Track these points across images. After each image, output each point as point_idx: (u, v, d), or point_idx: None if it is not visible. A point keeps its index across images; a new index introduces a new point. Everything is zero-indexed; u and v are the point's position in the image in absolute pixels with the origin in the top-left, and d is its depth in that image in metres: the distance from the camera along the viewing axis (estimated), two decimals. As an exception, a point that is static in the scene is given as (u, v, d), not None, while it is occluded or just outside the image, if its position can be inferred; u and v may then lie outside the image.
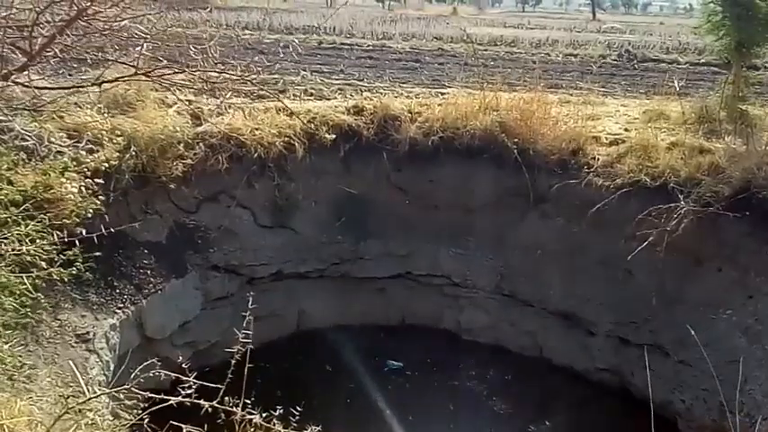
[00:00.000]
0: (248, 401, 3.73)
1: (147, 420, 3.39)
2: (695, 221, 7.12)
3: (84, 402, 3.47)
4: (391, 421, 7.10)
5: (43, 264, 4.82)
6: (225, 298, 7.71)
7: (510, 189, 8.49)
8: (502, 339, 8.65)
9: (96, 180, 6.12)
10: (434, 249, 8.66)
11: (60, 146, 6.14)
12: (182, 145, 7.43)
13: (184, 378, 3.24)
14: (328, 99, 9.72)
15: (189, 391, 3.20)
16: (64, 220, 5.53)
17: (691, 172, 7.56)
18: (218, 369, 7.78)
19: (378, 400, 7.38)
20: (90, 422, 3.55)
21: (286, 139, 8.11)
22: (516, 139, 8.41)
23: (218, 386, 3.34)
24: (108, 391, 3.64)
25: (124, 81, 4.94)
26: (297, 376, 7.69)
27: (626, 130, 8.95)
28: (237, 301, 7.91)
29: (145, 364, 3.81)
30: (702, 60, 16.46)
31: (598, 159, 8.15)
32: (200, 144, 7.64)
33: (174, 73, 4.26)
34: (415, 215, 8.72)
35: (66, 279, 4.92)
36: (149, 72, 3.98)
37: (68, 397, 3.61)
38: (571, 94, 10.89)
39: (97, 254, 6.23)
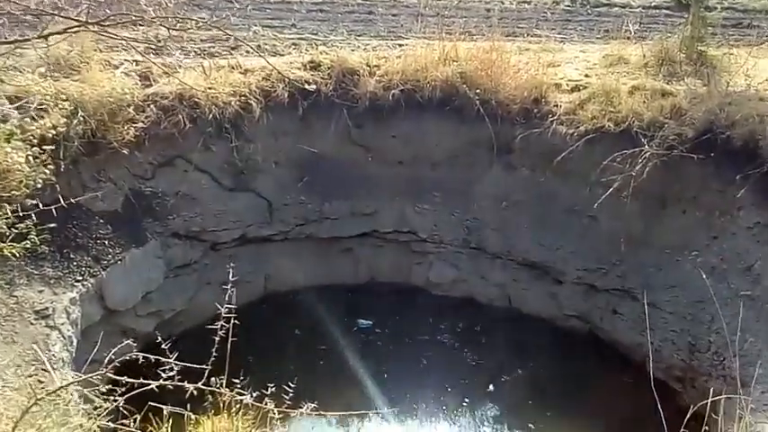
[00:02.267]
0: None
1: (121, 403, 3.18)
2: (659, 165, 7.15)
3: (55, 392, 3.23)
4: (365, 379, 7.07)
5: (-6, 239, 4.55)
6: (188, 265, 7.48)
7: (473, 141, 8.37)
8: (471, 292, 8.64)
9: (45, 147, 5.78)
10: (400, 206, 8.52)
11: (1, 112, 5.73)
12: (132, 108, 7.07)
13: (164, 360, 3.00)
14: (282, 55, 9.35)
15: (171, 374, 2.98)
16: (13, 192, 5.22)
17: (653, 116, 7.53)
18: (184, 338, 7.63)
19: (350, 360, 7.34)
20: (61, 411, 3.35)
21: (242, 98, 7.78)
22: (478, 90, 8.24)
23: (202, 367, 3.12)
24: (81, 377, 3.40)
25: (73, 33, 4.56)
26: (267, 341, 7.53)
27: (586, 75, 8.84)
28: (201, 269, 7.72)
29: (121, 346, 3.54)
30: (654, 3, 16.40)
31: (560, 107, 8.06)
32: (152, 106, 7.28)
33: (128, 23, 3.92)
34: (379, 172, 8.54)
35: (18, 254, 4.63)
36: (101, 22, 3.62)
37: (36, 387, 3.38)
38: (530, 42, 10.71)
39: (51, 225, 5.98)
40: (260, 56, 7.74)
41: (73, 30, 3.48)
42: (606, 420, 6.78)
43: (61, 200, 4.87)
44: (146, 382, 3.04)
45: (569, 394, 7.13)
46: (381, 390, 6.94)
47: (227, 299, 3.31)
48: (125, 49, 8.50)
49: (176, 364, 3.03)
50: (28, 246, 4.75)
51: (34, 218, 4.83)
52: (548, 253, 8.07)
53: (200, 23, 4.41)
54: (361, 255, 8.81)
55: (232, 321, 3.71)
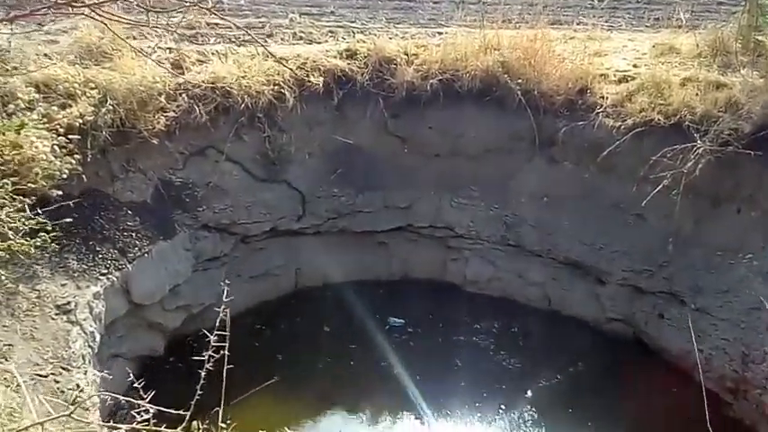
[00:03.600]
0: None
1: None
2: (713, 161, 6.77)
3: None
4: (396, 382, 6.83)
5: (10, 233, 4.42)
6: (217, 258, 7.31)
7: (514, 133, 8.06)
8: (509, 291, 8.32)
9: (71, 137, 5.65)
10: (436, 200, 8.26)
11: (28, 101, 5.61)
12: (163, 96, 6.90)
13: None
14: (318, 43, 9.11)
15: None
16: (33, 184, 5.09)
17: (707, 109, 7.13)
18: (213, 333, 7.49)
19: (381, 361, 7.10)
20: None
21: (275, 87, 7.56)
22: (520, 80, 7.93)
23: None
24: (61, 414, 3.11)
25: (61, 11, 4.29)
26: (296, 338, 7.37)
27: (635, 66, 8.45)
28: (231, 261, 7.56)
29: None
30: (707, -9, 15.69)
31: (607, 98, 7.71)
32: (183, 95, 7.12)
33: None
34: (415, 164, 8.28)
35: (28, 251, 4.49)
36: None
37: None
38: (575, 30, 10.27)
39: (75, 216, 5.87)
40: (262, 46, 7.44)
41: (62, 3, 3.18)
42: (650, 432, 6.42)
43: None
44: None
45: (611, 403, 6.77)
46: (413, 393, 6.69)
47: (219, 318, 3.00)
48: (159, 37, 8.40)
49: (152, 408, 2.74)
50: (38, 244, 4.60)
51: (57, 207, 4.69)
52: (590, 252, 7.71)
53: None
54: (395, 250, 8.57)
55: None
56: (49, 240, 4.70)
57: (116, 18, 3.96)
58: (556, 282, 8.06)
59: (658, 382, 6.94)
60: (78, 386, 4.44)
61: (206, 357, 3.11)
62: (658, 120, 7.20)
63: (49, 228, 4.60)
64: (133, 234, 6.27)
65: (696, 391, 6.76)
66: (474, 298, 8.33)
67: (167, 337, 6.90)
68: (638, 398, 6.82)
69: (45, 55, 6.47)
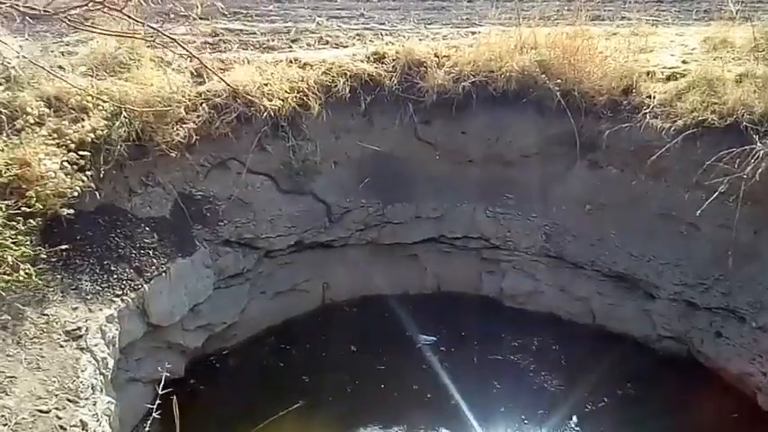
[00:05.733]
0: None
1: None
2: (774, 166, 6.14)
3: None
4: (428, 406, 6.41)
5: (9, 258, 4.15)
6: (240, 275, 7.00)
7: (554, 137, 7.57)
8: (550, 306, 7.85)
9: (82, 153, 5.40)
10: (470, 209, 7.85)
11: (38, 116, 5.38)
12: (182, 107, 6.61)
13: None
14: (345, 47, 8.76)
15: None
16: (42, 203, 4.86)
17: (767, 107, 6.51)
18: (237, 351, 7.21)
19: (413, 383, 6.71)
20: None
21: (300, 94, 7.22)
22: (559, 80, 7.46)
23: None
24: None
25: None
26: (323, 358, 7.01)
27: (684, 62, 7.88)
28: (255, 277, 7.26)
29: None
30: (758, -19, 14.88)
31: (654, 98, 7.16)
32: (204, 105, 6.81)
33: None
34: (448, 172, 7.89)
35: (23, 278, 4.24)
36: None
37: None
38: (618, 26, 9.72)
39: (89, 233, 5.63)
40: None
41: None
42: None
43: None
44: None
45: (665, 430, 6.21)
46: (446, 419, 6.28)
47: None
48: (180, 45, 8.16)
49: None
50: (20, 279, 4.35)
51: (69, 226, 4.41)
52: (638, 264, 7.18)
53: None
54: (427, 262, 8.21)
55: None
56: (33, 275, 4.41)
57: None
58: (601, 296, 7.54)
59: (717, 407, 6.36)
60: (83, 422, 4.14)
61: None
62: (712, 120, 6.63)
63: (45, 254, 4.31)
64: (150, 252, 5.99)
65: (760, 416, 6.31)
66: (512, 313, 7.88)
67: (188, 358, 6.61)
68: (695, 424, 6.26)
69: (60, 67, 6.24)
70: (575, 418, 6.41)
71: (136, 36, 4.60)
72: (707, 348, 6.80)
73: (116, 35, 4.59)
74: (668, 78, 7.48)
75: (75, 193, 5.26)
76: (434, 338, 7.37)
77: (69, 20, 4.38)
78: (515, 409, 6.49)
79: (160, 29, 4.18)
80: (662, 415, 6.34)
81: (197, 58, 5.73)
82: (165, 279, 5.98)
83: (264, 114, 6.99)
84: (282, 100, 7.10)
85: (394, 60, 7.82)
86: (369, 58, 7.93)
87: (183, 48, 5.06)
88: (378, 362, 6.95)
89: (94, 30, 3.56)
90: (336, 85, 7.45)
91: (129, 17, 3.73)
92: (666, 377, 6.83)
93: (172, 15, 7.57)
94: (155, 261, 6.00)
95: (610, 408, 6.50)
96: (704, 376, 6.76)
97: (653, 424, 6.25)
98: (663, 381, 6.78)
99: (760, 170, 6.09)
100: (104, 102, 5.78)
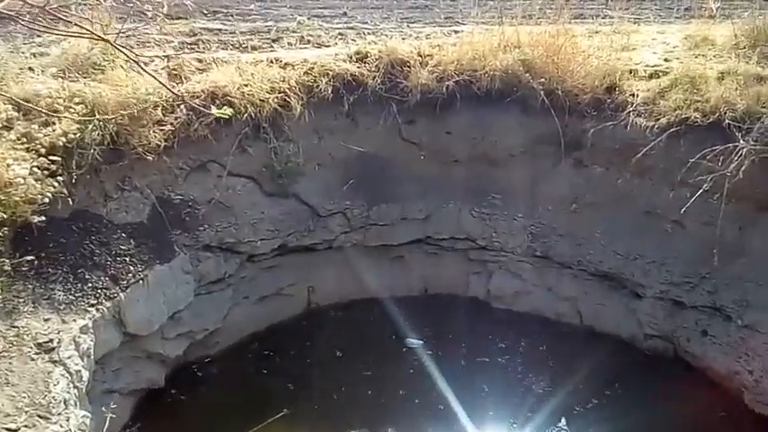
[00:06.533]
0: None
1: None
2: (757, 162, 6.13)
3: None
4: (415, 410, 6.31)
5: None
6: (222, 280, 6.84)
7: (538, 136, 7.52)
8: (536, 306, 7.79)
9: (53, 157, 5.22)
10: (456, 210, 7.77)
11: (6, 120, 5.19)
12: (159, 109, 6.44)
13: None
14: (327, 46, 8.63)
15: None
16: (9, 210, 4.68)
17: (749, 105, 6.50)
18: (220, 359, 7.05)
19: (399, 388, 6.61)
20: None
21: (281, 94, 7.08)
22: (542, 79, 7.40)
23: None
24: None
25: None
26: (309, 364, 6.88)
27: (666, 60, 7.88)
28: (237, 282, 7.11)
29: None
30: (737, -22, 14.95)
31: (638, 96, 7.14)
32: (182, 107, 6.64)
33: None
34: (433, 172, 7.80)
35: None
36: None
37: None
38: (600, 24, 9.69)
39: (62, 241, 5.45)
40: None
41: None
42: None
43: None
44: None
45: (653, 429, 6.15)
46: (435, 423, 6.19)
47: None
48: (158, 45, 7.99)
49: None
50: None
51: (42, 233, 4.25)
52: (624, 263, 7.14)
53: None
54: (413, 264, 8.11)
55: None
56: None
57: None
58: (588, 296, 7.50)
59: (704, 406, 6.32)
60: (53, 440, 3.98)
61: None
62: (695, 118, 6.60)
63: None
64: (127, 258, 5.81)
65: (746, 415, 6.29)
66: (499, 314, 7.81)
67: (168, 367, 6.45)
68: (682, 423, 6.20)
69: (30, 68, 6.05)
70: (563, 419, 6.34)
71: (93, 36, 4.37)
72: (693, 347, 6.77)
73: (66, 35, 4.40)
74: (651, 76, 7.46)
75: (47, 200, 5.06)
76: (421, 342, 7.26)
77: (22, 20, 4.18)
78: (504, 411, 6.40)
79: (103, 35, 3.92)
80: (649, 414, 6.27)
81: (136, 62, 5.45)
82: (142, 286, 5.80)
83: (245, 115, 6.85)
84: (263, 101, 6.98)
85: (377, 60, 7.70)
86: (351, 57, 7.81)
87: (122, 50, 4.72)
88: (365, 367, 6.83)
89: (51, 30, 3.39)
90: (318, 86, 7.31)
91: (62, 18, 3.53)
92: (654, 376, 6.79)
93: (149, 15, 7.42)
94: (131, 268, 5.82)
95: (597, 407, 6.44)
96: (691, 375, 6.73)
97: (640, 423, 6.17)
98: (650, 380, 6.74)
99: (743, 167, 6.06)
100: (77, 104, 5.58)
